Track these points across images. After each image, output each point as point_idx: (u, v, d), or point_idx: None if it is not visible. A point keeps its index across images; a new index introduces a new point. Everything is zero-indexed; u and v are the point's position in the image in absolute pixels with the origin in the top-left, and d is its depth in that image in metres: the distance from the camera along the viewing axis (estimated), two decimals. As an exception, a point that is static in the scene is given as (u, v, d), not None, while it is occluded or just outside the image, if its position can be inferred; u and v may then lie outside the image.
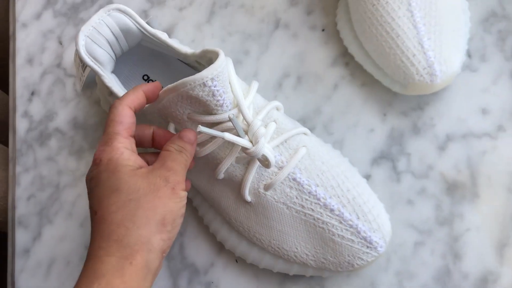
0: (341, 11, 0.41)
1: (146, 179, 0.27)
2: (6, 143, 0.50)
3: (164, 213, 0.27)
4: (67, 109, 0.43)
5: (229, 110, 0.31)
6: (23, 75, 0.45)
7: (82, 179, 0.40)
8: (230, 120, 0.30)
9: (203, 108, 0.31)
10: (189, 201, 0.38)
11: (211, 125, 0.31)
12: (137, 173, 0.27)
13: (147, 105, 0.32)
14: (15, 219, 0.40)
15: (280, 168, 0.33)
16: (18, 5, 0.47)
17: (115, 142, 0.28)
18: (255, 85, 0.34)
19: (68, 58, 0.44)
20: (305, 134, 0.35)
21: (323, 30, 0.42)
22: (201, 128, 0.29)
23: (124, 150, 0.28)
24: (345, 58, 0.41)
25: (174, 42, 0.36)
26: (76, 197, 0.40)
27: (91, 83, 0.42)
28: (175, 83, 0.29)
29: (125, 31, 0.35)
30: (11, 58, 0.46)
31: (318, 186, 0.33)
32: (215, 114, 0.31)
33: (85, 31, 0.34)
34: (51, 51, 0.45)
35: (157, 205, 0.27)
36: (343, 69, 0.41)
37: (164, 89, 0.30)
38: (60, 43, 0.45)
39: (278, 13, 0.43)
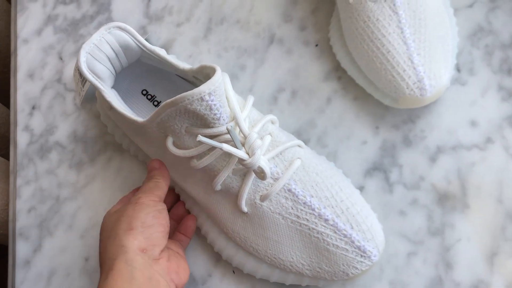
0: (333, 27, 0.42)
1: (115, 212, 0.33)
2: (6, 156, 0.51)
3: (128, 220, 0.31)
4: (67, 122, 0.43)
5: (226, 123, 0.32)
6: (24, 89, 0.46)
7: (82, 192, 0.41)
8: (228, 131, 0.31)
9: (201, 121, 0.32)
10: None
11: (209, 137, 0.32)
12: (111, 215, 0.33)
13: (146, 119, 0.33)
14: (15, 231, 0.41)
15: (276, 179, 0.34)
16: (20, 22, 0.48)
17: None
18: (250, 99, 0.35)
19: (68, 73, 0.45)
20: (299, 146, 0.36)
21: (316, 45, 0.43)
22: (201, 137, 0.30)
23: (113, 206, 0.35)
24: (338, 72, 0.42)
25: (172, 58, 0.37)
26: (76, 209, 0.41)
27: (90, 97, 0.43)
28: (174, 97, 0.30)
29: (125, 48, 0.36)
30: (12, 73, 0.47)
31: (312, 196, 0.34)
32: (212, 127, 0.32)
33: (87, 48, 0.35)
34: (52, 66, 0.46)
35: (121, 220, 0.31)
36: (336, 83, 0.42)
37: (162, 104, 0.31)
38: (61, 58, 0.46)
39: (272, 28, 0.44)
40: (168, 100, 0.31)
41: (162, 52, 0.37)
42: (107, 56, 0.36)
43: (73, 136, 0.43)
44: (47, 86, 0.45)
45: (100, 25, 0.47)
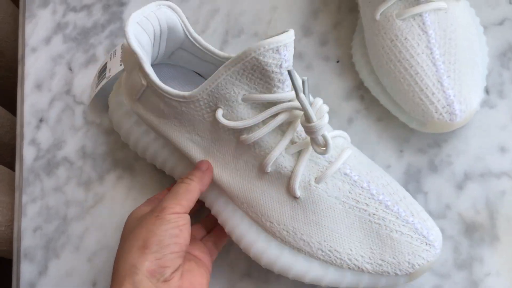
0: (356, 44, 0.40)
1: (139, 218, 0.32)
2: (10, 165, 0.49)
3: (145, 237, 0.29)
4: (76, 137, 0.42)
5: (286, 91, 0.30)
6: (31, 101, 0.44)
7: (90, 211, 0.39)
8: (302, 82, 0.29)
9: (263, 84, 0.29)
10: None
11: (268, 104, 0.30)
12: (135, 219, 0.32)
13: (197, 89, 0.31)
14: (20, 251, 0.39)
15: (330, 162, 0.31)
16: (28, 29, 0.46)
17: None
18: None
19: (78, 84, 0.44)
20: (344, 138, 0.34)
21: (337, 61, 0.41)
22: (291, 67, 0.28)
23: (137, 207, 0.33)
24: (360, 91, 0.40)
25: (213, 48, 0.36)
26: (84, 230, 0.39)
27: (100, 111, 0.42)
28: (245, 48, 0.28)
29: (171, 29, 0.34)
30: (19, 83, 0.45)
31: (369, 182, 0.31)
32: (274, 93, 0.29)
33: (137, 18, 0.32)
34: (60, 76, 0.44)
35: (139, 232, 0.30)
36: (358, 103, 0.40)
37: (228, 61, 0.29)
38: (70, 69, 0.44)
39: (292, 43, 0.42)
40: (236, 55, 0.28)
41: (202, 40, 0.36)
42: (154, 31, 0.33)
43: (81, 152, 0.41)
44: (56, 98, 0.43)
45: (111, 34, 0.45)
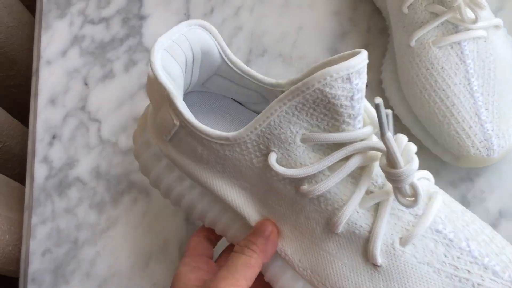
0: (386, 69, 0.39)
1: None
2: (18, 177, 0.47)
3: None
4: (90, 156, 0.40)
5: (359, 128, 0.24)
6: (44, 116, 0.42)
7: (102, 236, 0.37)
8: (376, 106, 0.22)
9: (328, 121, 0.24)
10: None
11: (334, 146, 0.24)
12: None
13: (240, 131, 0.25)
14: (28, 275, 0.37)
15: (416, 216, 0.25)
16: (43, 41, 0.45)
17: (179, 267, 0.29)
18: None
19: (93, 100, 0.42)
20: (428, 179, 0.28)
21: (366, 86, 0.40)
22: (379, 100, 0.22)
23: (182, 269, 0.28)
24: (389, 118, 0.38)
25: (254, 72, 0.30)
26: (95, 255, 0.37)
27: (116, 131, 0.40)
28: (306, 78, 0.22)
29: (205, 53, 0.29)
30: (32, 97, 0.43)
31: (469, 240, 0.25)
32: (343, 131, 0.24)
33: (164, 42, 0.27)
34: (76, 92, 0.43)
35: None
36: (386, 131, 0.38)
37: (281, 96, 0.23)
38: (86, 84, 0.43)
39: (318, 65, 0.41)
40: (294, 86, 0.23)
41: (242, 64, 0.30)
42: (185, 57, 0.28)
43: (95, 172, 0.39)
44: (70, 114, 0.42)
45: (130, 49, 0.43)
